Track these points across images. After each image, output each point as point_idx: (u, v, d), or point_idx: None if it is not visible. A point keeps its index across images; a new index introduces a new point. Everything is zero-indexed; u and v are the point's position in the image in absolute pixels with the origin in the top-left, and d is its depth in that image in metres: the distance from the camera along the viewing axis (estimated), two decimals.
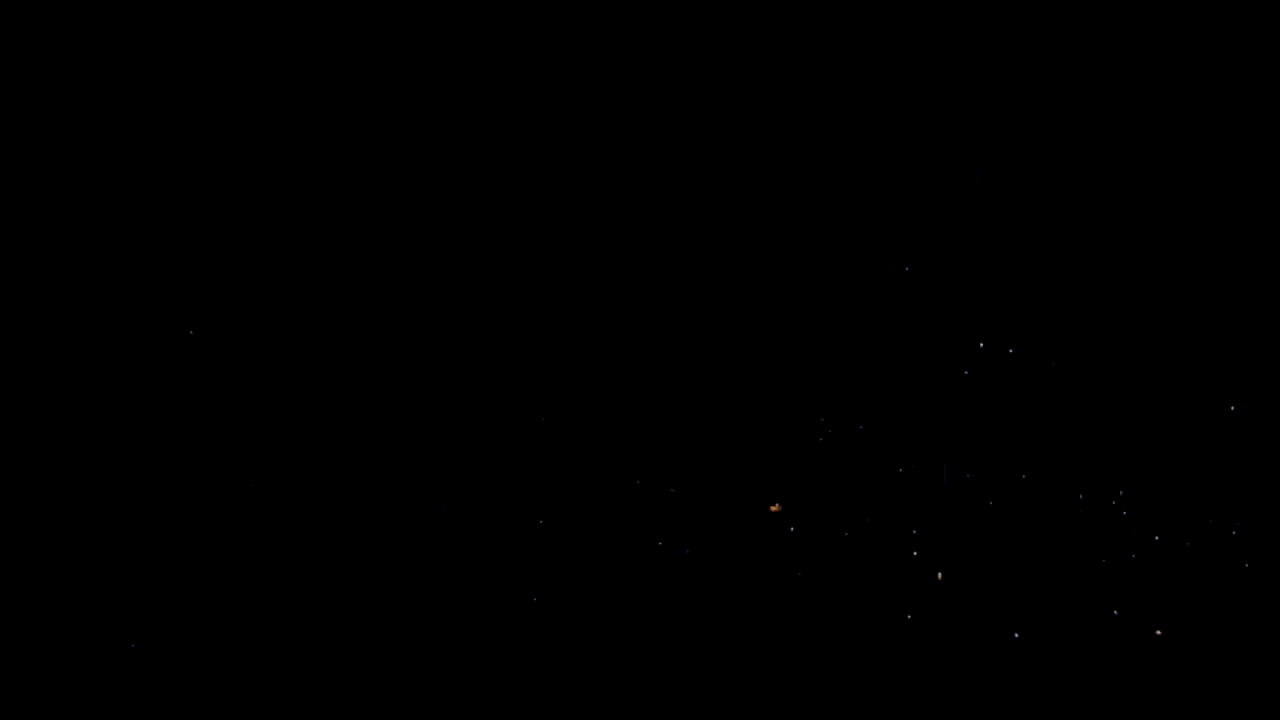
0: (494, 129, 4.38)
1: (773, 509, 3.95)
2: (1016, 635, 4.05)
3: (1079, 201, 4.23)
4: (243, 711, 4.11)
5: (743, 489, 4.31)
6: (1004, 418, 4.26)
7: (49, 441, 4.22)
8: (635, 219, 4.37)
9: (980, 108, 4.33)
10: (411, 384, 4.34)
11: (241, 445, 4.28)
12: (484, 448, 4.33)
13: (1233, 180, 4.12)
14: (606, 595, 4.23)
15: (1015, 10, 4.28)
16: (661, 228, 4.38)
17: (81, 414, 4.24)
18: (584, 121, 4.38)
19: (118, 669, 4.10)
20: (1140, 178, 4.20)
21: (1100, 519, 4.14)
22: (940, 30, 4.27)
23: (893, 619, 4.17)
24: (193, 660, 4.13)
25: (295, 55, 4.32)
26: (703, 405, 4.36)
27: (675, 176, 4.37)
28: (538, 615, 4.22)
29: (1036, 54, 4.28)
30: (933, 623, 4.15)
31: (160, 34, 4.29)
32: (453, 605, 4.22)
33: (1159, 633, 3.98)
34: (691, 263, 4.36)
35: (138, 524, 4.21)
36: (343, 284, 4.34)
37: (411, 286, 4.33)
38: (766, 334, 4.36)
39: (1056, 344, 4.24)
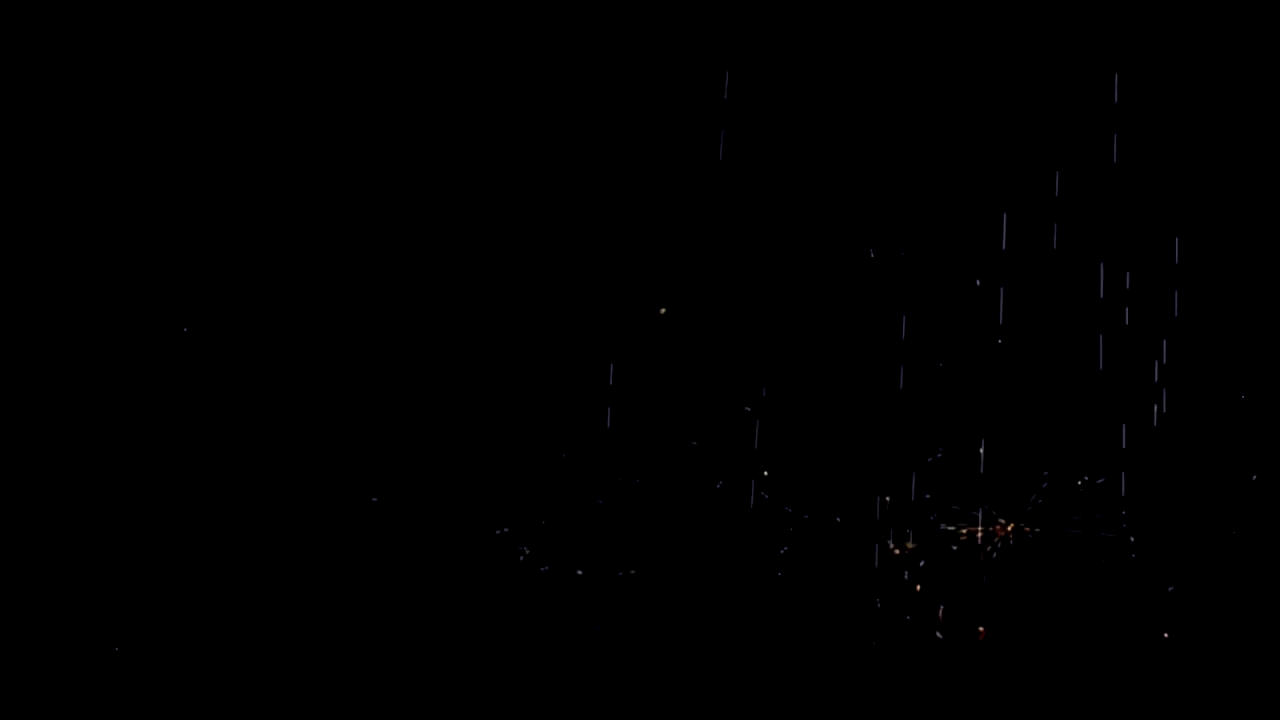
0: (464, 141, 4.35)
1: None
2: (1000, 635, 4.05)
3: (1079, 200, 4.23)
4: (233, 711, 4.08)
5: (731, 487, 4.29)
6: (1002, 416, 4.25)
7: (39, 436, 4.17)
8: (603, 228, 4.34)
9: (977, 106, 4.32)
10: (408, 384, 4.31)
11: (235, 443, 4.24)
12: (480, 448, 4.30)
13: (1234, 181, 4.13)
14: (604, 594, 4.21)
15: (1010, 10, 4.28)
16: (650, 229, 4.35)
17: (73, 409, 4.19)
18: (579, 120, 4.34)
19: (101, 671, 4.06)
20: (1140, 176, 4.20)
21: (1099, 519, 4.15)
22: (935, 28, 4.25)
23: (891, 621, 4.17)
24: (177, 660, 4.09)
25: (295, 55, 4.27)
26: (700, 405, 4.34)
27: (663, 177, 4.35)
28: (535, 615, 4.20)
29: (1034, 52, 4.27)
30: (930, 628, 4.15)
31: (159, 34, 4.24)
32: (450, 604, 4.18)
33: (1165, 635, 4.00)
34: (685, 263, 4.34)
35: (123, 518, 4.18)
36: (336, 283, 4.30)
37: (396, 289, 4.30)
38: (763, 331, 4.34)
39: (1054, 342, 4.24)
